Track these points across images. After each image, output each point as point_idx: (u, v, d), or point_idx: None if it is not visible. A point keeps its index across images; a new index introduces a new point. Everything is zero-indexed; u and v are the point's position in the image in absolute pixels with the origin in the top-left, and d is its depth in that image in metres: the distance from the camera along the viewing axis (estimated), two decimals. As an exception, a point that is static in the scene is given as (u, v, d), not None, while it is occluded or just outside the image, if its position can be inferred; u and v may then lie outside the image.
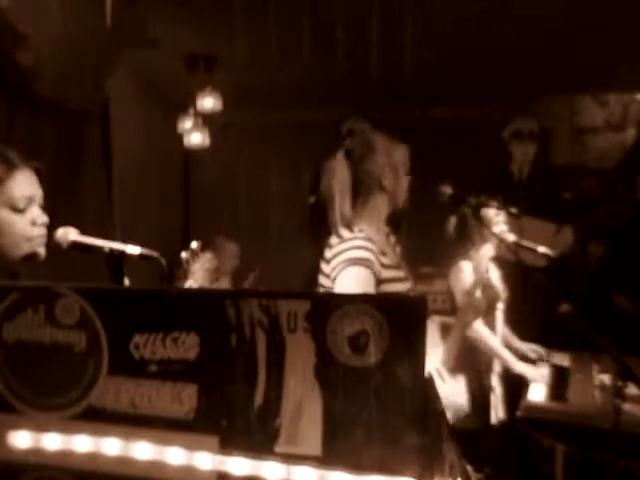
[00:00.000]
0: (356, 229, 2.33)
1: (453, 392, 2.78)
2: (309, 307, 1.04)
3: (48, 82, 3.35)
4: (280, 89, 5.39)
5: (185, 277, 2.24)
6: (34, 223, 1.77)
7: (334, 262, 2.29)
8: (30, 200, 1.77)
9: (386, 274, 2.29)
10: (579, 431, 2.44)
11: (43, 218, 1.79)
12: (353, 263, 2.24)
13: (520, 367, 3.29)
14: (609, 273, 4.26)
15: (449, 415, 2.64)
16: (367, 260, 2.24)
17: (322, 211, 2.40)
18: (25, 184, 1.77)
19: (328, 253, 2.35)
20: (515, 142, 4.55)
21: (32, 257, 1.79)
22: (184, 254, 2.26)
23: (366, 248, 2.26)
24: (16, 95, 3.34)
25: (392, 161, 2.40)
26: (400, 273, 2.38)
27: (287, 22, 4.24)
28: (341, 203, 2.38)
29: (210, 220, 6.06)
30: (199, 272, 2.30)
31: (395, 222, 2.49)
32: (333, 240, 2.35)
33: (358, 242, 2.28)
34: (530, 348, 3.56)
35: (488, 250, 2.98)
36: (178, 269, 2.24)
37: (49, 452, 1.15)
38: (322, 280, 2.37)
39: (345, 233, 2.33)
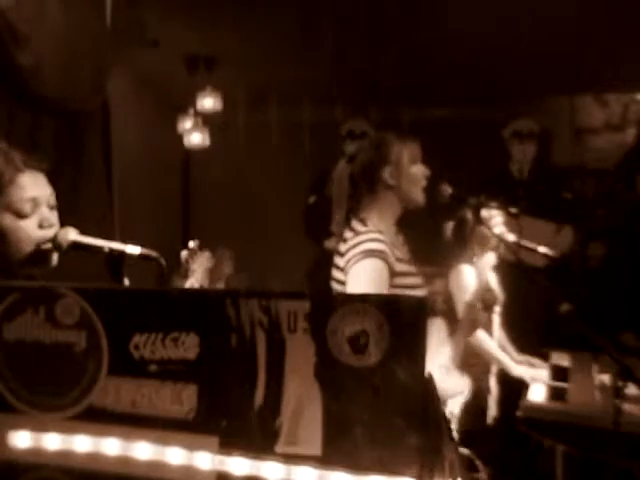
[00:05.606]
0: (370, 223, 2.33)
1: (459, 385, 2.80)
2: (309, 307, 1.04)
3: (48, 82, 3.34)
4: (280, 89, 5.39)
5: (186, 275, 2.26)
6: (41, 225, 1.74)
7: (349, 255, 2.28)
8: (35, 202, 1.73)
9: (400, 267, 2.29)
10: (579, 431, 2.43)
11: (50, 220, 1.76)
12: (368, 255, 2.23)
13: (518, 370, 3.28)
14: (609, 273, 4.25)
15: (451, 405, 2.66)
16: (382, 252, 2.24)
17: (321, 212, 2.40)
18: (29, 186, 1.73)
19: (342, 247, 2.35)
20: (515, 142, 4.54)
21: (41, 259, 1.75)
22: (184, 253, 2.28)
23: (380, 240, 2.27)
24: (16, 95, 3.34)
25: (398, 160, 2.39)
26: (412, 268, 2.38)
27: (287, 22, 4.24)
28: (336, 212, 2.40)
29: (210, 220, 6.06)
30: (199, 270, 2.32)
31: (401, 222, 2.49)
32: (347, 234, 2.35)
33: (372, 235, 2.29)
34: (526, 360, 3.49)
35: (490, 259, 3.00)
36: (179, 268, 2.26)
37: (49, 452, 1.15)
38: (336, 274, 2.36)
39: (359, 227, 2.34)
